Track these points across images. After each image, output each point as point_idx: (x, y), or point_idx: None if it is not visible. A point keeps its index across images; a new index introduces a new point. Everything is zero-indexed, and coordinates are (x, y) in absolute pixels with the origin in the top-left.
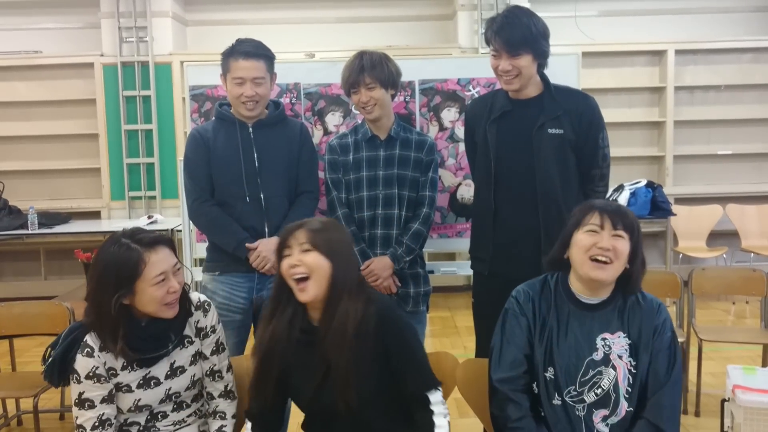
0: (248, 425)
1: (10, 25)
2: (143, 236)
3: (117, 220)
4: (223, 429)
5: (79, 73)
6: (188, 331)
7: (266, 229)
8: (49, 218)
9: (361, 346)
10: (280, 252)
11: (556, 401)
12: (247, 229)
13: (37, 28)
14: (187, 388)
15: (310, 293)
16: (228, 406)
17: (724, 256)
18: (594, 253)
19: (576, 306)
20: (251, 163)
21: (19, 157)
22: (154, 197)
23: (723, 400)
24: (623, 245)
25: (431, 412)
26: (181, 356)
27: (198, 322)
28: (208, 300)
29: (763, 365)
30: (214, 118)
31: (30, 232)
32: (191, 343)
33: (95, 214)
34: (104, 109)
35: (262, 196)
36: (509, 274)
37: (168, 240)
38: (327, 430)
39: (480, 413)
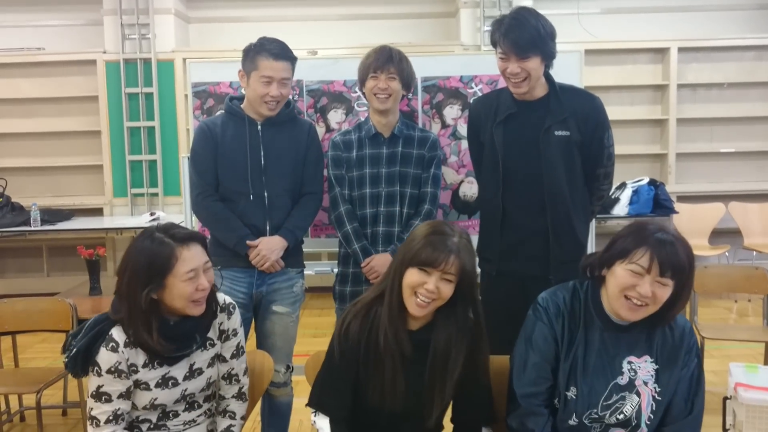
0: (324, 422)
1: (13, 22)
2: (177, 231)
3: (119, 217)
4: (232, 429)
5: (82, 70)
6: (211, 333)
7: (267, 227)
8: (51, 215)
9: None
10: (419, 262)
11: (573, 422)
12: (249, 226)
13: (40, 25)
14: (202, 390)
15: (423, 311)
16: (239, 407)
17: (727, 254)
18: (631, 295)
19: (604, 324)
20: (257, 160)
21: (21, 154)
22: (156, 194)
23: (725, 398)
24: (664, 293)
25: None
26: (201, 358)
27: (221, 324)
28: (233, 303)
29: (766, 363)
30: (223, 111)
31: (33, 228)
32: (212, 345)
33: (98, 211)
34: (107, 106)
35: (266, 194)
36: (517, 274)
37: (201, 237)
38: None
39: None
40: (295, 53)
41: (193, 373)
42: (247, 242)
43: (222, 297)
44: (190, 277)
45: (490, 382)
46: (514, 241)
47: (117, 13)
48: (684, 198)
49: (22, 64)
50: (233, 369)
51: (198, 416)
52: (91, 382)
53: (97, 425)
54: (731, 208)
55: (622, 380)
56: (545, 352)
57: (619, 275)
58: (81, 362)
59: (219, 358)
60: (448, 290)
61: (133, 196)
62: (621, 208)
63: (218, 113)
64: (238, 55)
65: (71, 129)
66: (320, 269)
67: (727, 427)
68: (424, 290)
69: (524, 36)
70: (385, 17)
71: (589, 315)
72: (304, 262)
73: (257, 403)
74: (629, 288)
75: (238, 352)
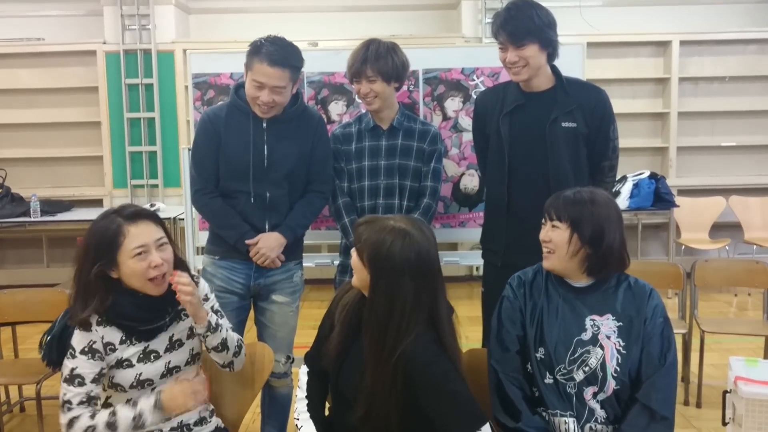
0: (303, 370)
1: (12, 12)
2: (126, 209)
3: None
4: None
5: (82, 61)
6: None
7: (267, 228)
8: (51, 206)
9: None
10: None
11: (548, 380)
12: (248, 223)
13: (40, 15)
14: (187, 362)
15: (353, 281)
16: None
17: (727, 248)
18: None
19: (566, 290)
20: (260, 160)
21: (21, 144)
22: (156, 185)
23: (725, 392)
24: (557, 235)
25: None
26: (179, 329)
27: None
28: (195, 274)
29: (766, 357)
30: (229, 100)
31: (32, 219)
32: (187, 316)
33: (97, 202)
34: (107, 97)
35: (267, 194)
36: (522, 265)
37: (152, 214)
38: (340, 411)
39: (485, 402)
40: (297, 44)
41: (173, 344)
42: (246, 241)
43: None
44: (138, 253)
45: (460, 390)
46: (519, 233)
47: (117, 4)
48: (685, 191)
49: (22, 54)
50: None
51: None
52: (65, 366)
53: (69, 408)
54: (732, 202)
55: (586, 336)
56: (510, 321)
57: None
58: (56, 348)
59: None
60: (352, 258)
61: (133, 188)
62: (622, 202)
63: (219, 102)
64: (239, 46)
65: (71, 120)
66: (320, 261)
67: (727, 420)
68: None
69: (519, 25)
70: (386, 9)
71: (550, 283)
72: (304, 254)
73: (257, 395)
74: (542, 240)
75: (215, 314)
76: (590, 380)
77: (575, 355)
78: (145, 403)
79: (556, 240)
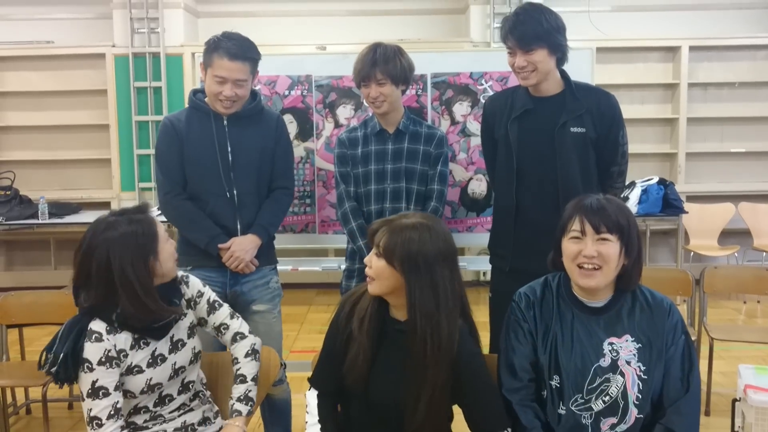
0: (312, 394)
1: (22, 15)
2: (132, 208)
3: None
4: (249, 393)
5: (91, 64)
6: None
7: (238, 227)
8: (59, 208)
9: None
10: (371, 241)
11: (561, 410)
12: (220, 226)
13: (50, 18)
14: (191, 362)
15: (371, 289)
16: (250, 368)
17: (736, 254)
18: (580, 262)
19: (580, 310)
20: (225, 158)
21: (30, 146)
22: None
23: (734, 400)
24: (609, 248)
25: None
26: (179, 330)
27: (184, 294)
28: (185, 273)
29: None
30: (188, 105)
31: (40, 221)
32: (185, 315)
33: (105, 205)
34: (115, 100)
35: (235, 192)
36: (530, 271)
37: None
38: (366, 422)
39: None
40: (305, 48)
41: (176, 345)
42: (219, 246)
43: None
44: (168, 237)
45: (495, 385)
46: (527, 238)
47: (126, 7)
48: (693, 198)
49: (32, 57)
50: (216, 322)
51: (190, 400)
52: (84, 381)
53: (100, 425)
54: (741, 208)
55: (605, 362)
56: (522, 346)
57: (565, 248)
58: (72, 365)
59: (200, 322)
60: (376, 265)
61: (141, 190)
62: (630, 207)
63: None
64: None
65: (80, 122)
66: (327, 265)
67: (736, 429)
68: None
69: (527, 30)
70: (394, 13)
71: (563, 302)
72: (310, 258)
73: (263, 398)
74: (576, 255)
75: (213, 306)
76: (609, 410)
77: (593, 384)
78: None
79: (607, 254)
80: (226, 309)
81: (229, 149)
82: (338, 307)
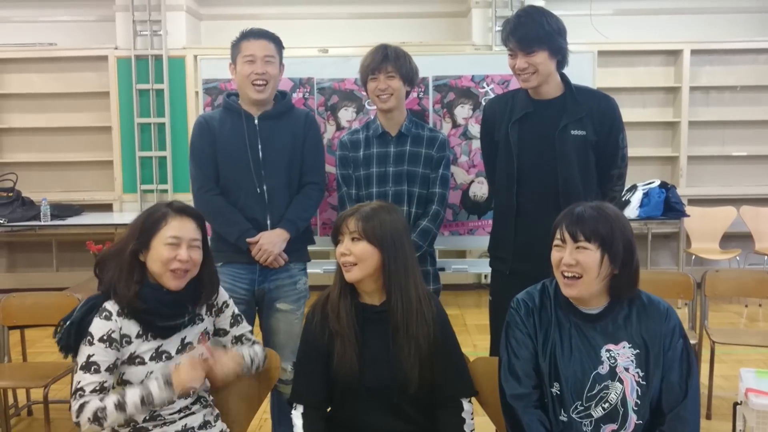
0: (297, 413)
1: (25, 17)
2: (177, 204)
3: (129, 213)
4: (257, 350)
5: (93, 66)
6: (200, 308)
7: (268, 222)
8: (61, 210)
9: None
10: (335, 236)
11: (563, 417)
12: (250, 220)
13: (52, 20)
14: None
15: (352, 276)
16: (258, 349)
17: (738, 258)
18: (562, 270)
19: (577, 317)
20: (255, 155)
21: (32, 148)
22: (166, 191)
23: (735, 404)
24: (588, 257)
25: (462, 420)
26: (191, 333)
27: (211, 302)
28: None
29: None
30: (222, 105)
31: (42, 223)
32: (201, 320)
33: (107, 207)
34: (118, 102)
35: (265, 188)
36: (530, 273)
37: (198, 215)
38: (360, 411)
39: (492, 412)
40: (306, 51)
41: (185, 347)
42: (247, 240)
43: None
44: (171, 242)
45: (462, 352)
46: (527, 241)
47: (129, 10)
48: (695, 201)
49: (34, 59)
50: (237, 333)
51: (192, 404)
52: (81, 353)
53: (81, 395)
54: (743, 211)
55: (603, 369)
56: (523, 352)
57: (551, 256)
58: (74, 334)
59: (220, 332)
60: (358, 249)
61: (143, 193)
62: (631, 211)
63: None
64: None
65: (82, 124)
66: (328, 267)
67: None
68: (340, 255)
69: (528, 32)
70: (396, 16)
71: (560, 310)
72: (314, 260)
73: (264, 400)
74: (558, 264)
75: (236, 320)
76: (609, 417)
77: (593, 392)
78: (153, 381)
79: (585, 263)
80: (246, 325)
81: (260, 146)
82: (307, 318)
